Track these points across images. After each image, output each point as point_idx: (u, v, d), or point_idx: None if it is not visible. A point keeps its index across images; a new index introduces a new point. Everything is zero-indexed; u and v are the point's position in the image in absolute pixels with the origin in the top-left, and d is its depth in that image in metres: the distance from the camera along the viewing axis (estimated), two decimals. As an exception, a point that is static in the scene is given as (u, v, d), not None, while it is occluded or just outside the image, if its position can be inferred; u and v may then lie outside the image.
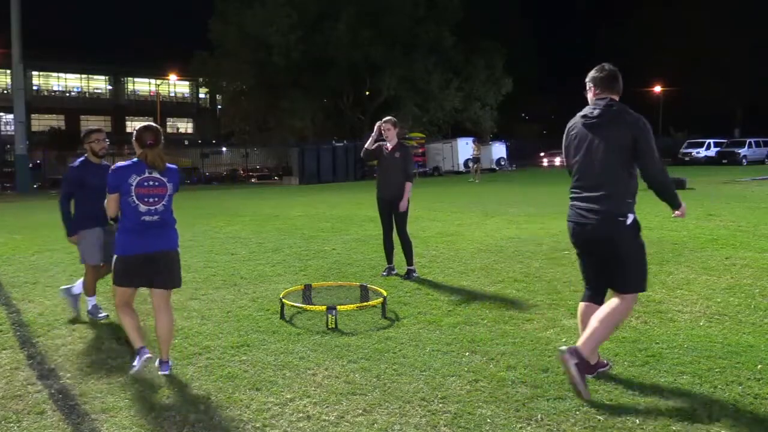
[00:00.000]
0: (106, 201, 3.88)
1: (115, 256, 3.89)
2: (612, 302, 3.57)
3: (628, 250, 3.52)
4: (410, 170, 6.66)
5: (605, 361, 3.77)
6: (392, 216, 6.67)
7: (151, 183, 3.81)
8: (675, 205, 3.61)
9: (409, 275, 6.57)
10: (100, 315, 5.14)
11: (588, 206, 3.56)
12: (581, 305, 3.77)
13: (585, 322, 3.64)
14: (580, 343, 3.51)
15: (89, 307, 5.16)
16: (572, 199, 3.68)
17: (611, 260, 3.56)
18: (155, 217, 3.84)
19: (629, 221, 3.48)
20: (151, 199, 3.81)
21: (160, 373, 3.88)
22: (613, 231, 3.49)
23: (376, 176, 6.90)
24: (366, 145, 6.73)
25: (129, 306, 4.00)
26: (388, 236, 6.76)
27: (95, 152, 5.05)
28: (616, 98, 3.62)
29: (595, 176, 3.55)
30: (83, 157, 5.13)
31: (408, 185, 6.57)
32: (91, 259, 5.04)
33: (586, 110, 3.64)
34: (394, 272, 6.75)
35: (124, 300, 3.96)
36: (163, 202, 3.87)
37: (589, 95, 3.70)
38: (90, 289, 5.15)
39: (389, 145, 6.64)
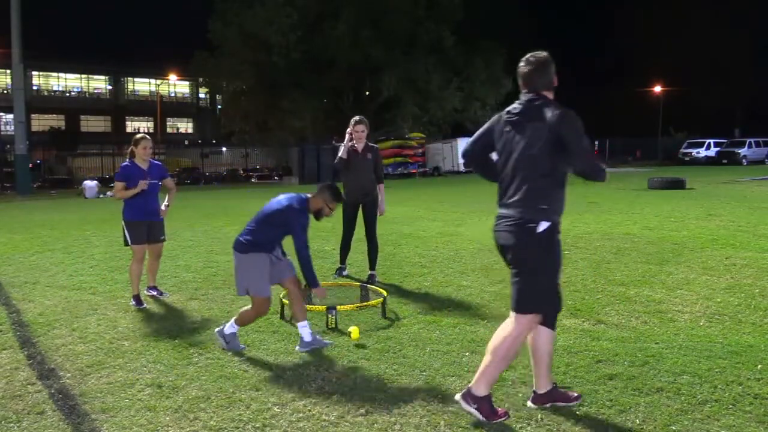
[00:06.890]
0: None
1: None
2: (504, 326, 3.16)
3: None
4: (381, 171, 6.56)
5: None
6: (356, 220, 6.52)
7: None
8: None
9: (371, 280, 6.38)
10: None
11: (502, 212, 3.19)
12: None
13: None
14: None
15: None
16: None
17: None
18: None
19: (540, 228, 3.03)
20: None
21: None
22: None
23: (340, 179, 6.52)
24: (340, 154, 6.39)
25: None
26: (349, 240, 6.62)
27: None
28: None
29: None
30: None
31: (381, 186, 6.52)
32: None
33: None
34: (345, 273, 6.73)
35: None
36: None
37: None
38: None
39: (359, 147, 6.38)
